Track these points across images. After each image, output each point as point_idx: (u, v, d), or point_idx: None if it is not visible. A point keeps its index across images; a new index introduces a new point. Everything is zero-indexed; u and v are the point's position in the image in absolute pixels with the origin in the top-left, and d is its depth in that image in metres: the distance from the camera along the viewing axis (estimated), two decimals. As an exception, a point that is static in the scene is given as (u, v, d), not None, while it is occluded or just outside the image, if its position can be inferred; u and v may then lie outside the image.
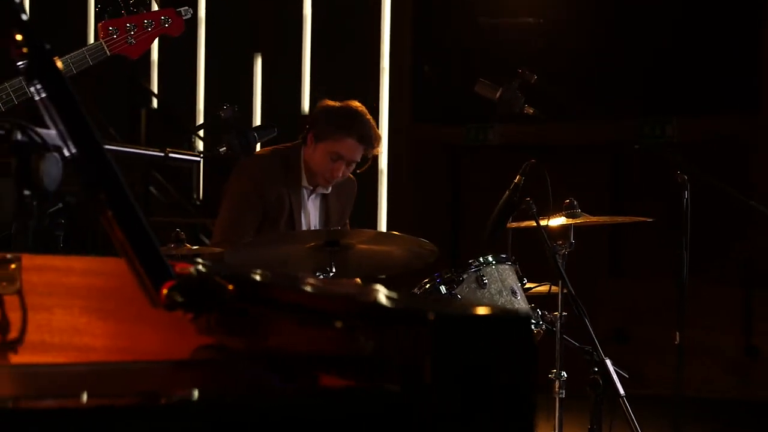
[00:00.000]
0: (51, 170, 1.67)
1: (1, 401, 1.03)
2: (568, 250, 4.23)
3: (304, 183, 4.58)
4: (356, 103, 4.59)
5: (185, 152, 2.20)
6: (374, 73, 10.06)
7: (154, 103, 11.71)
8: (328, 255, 3.84)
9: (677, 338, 4.37)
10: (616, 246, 9.13)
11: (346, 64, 10.20)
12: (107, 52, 3.39)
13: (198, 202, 10.66)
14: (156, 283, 1.30)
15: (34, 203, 1.70)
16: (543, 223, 4.08)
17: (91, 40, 11.48)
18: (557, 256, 4.15)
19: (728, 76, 8.66)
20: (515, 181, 4.13)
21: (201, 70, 11.43)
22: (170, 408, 1.05)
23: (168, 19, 3.54)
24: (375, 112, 9.94)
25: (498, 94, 4.28)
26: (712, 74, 8.71)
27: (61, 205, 3.37)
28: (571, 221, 4.22)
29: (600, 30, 9.28)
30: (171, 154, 2.04)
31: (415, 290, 4.10)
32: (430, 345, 0.94)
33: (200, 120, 11.44)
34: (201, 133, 10.91)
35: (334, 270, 3.81)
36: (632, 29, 9.18)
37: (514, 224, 4.28)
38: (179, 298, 1.30)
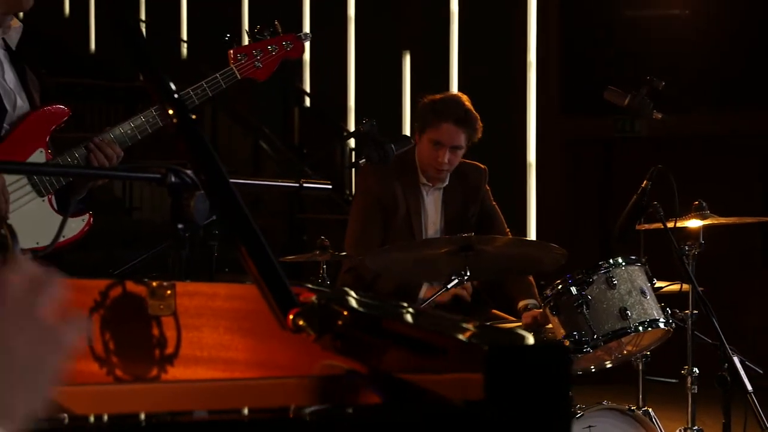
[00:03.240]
0: (200, 207, 1.95)
1: (161, 415, 1.30)
2: (697, 250, 4.36)
3: (423, 181, 4.80)
4: (453, 92, 4.78)
5: (318, 182, 2.44)
6: (521, 67, 10.17)
7: (307, 101, 12.07)
8: (462, 259, 4.05)
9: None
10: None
11: (493, 59, 10.33)
12: (238, 76, 3.68)
13: (350, 198, 10.96)
14: (283, 309, 1.56)
15: (187, 235, 1.99)
16: (669, 225, 4.22)
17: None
18: (686, 257, 4.29)
19: None
20: (642, 185, 4.28)
21: (351, 69, 11.72)
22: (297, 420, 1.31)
23: (290, 43, 3.80)
24: (523, 104, 10.08)
25: (626, 101, 4.43)
26: None
27: (215, 216, 3.66)
28: (701, 222, 4.36)
29: (750, 19, 9.21)
30: (305, 185, 2.29)
31: (547, 291, 4.29)
32: (484, 369, 1.18)
33: (351, 118, 11.75)
34: (349, 138, 11.22)
35: (468, 273, 4.03)
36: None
37: (645, 226, 4.43)
38: (302, 323, 1.56)
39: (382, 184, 4.73)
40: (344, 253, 4.45)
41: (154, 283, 1.83)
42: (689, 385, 4.44)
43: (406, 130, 10.99)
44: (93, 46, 14.04)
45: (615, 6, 9.76)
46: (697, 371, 4.44)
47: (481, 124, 4.74)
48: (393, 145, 4.09)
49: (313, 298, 1.58)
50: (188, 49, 13.24)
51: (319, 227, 10.38)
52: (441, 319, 1.35)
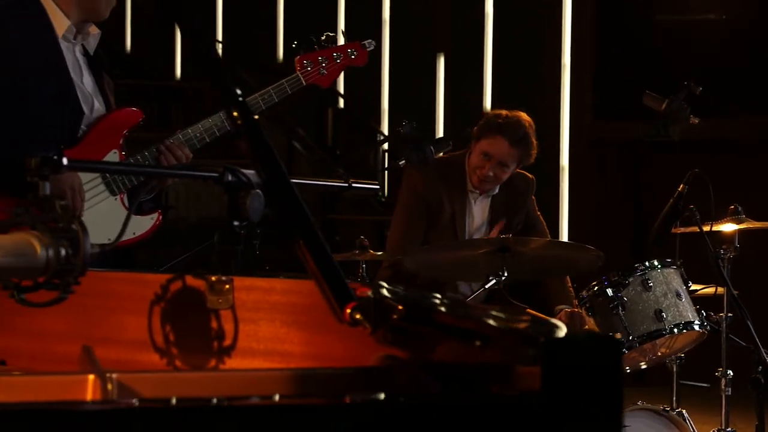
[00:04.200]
0: (255, 204, 2.02)
1: (208, 399, 1.38)
2: (733, 254, 4.41)
3: (470, 187, 4.85)
4: (523, 114, 4.82)
5: (367, 182, 2.52)
6: (555, 69, 10.19)
7: (341, 103, 12.14)
8: (500, 260, 4.11)
9: None
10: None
11: (527, 61, 10.36)
12: (303, 82, 3.81)
13: (383, 199, 11.01)
14: (340, 303, 1.63)
15: (242, 232, 2.06)
16: (705, 229, 4.27)
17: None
18: (721, 260, 4.34)
19: None
20: (679, 189, 4.33)
21: (385, 71, 11.75)
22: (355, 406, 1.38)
23: (354, 51, 3.90)
24: (556, 107, 10.11)
25: (664, 106, 4.48)
26: None
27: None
28: (736, 226, 4.40)
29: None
30: (354, 184, 2.37)
31: (584, 293, 4.35)
32: (540, 360, 1.25)
33: (385, 119, 11.81)
34: (385, 141, 11.28)
35: (506, 274, 4.09)
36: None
37: (681, 230, 4.48)
38: (359, 316, 1.63)
39: (427, 186, 4.78)
40: (380, 253, 4.52)
41: (213, 278, 1.91)
42: (723, 387, 4.48)
43: (440, 132, 11.05)
44: (129, 45, 14.16)
45: (650, 10, 9.77)
46: (731, 374, 4.48)
47: (535, 152, 4.77)
48: (432, 147, 4.16)
49: (369, 292, 1.65)
50: (223, 50, 13.34)
51: (350, 228, 10.44)
52: (496, 312, 1.42)
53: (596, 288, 4.31)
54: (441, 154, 4.49)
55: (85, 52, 3.61)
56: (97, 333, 1.96)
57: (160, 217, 3.57)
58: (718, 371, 4.50)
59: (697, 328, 4.28)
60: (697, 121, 4.47)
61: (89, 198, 3.49)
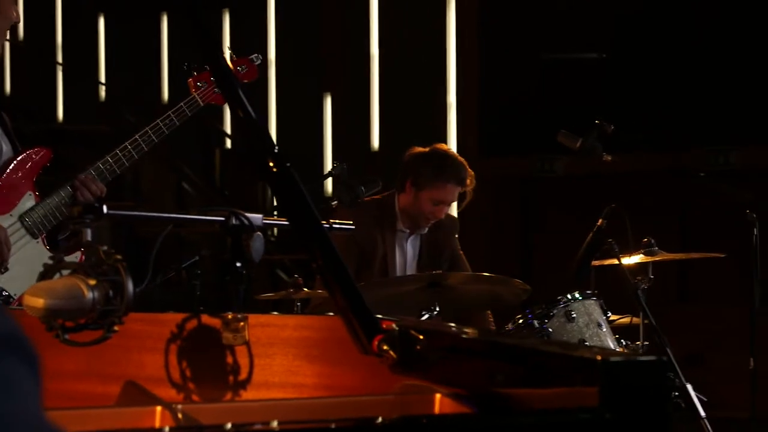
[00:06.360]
0: (257, 246, 2.13)
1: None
2: (647, 285, 4.63)
3: (400, 227, 4.97)
4: (443, 146, 5.01)
5: (343, 222, 2.66)
6: (441, 108, 10.40)
7: (228, 143, 12.16)
8: (431, 295, 4.26)
9: (751, 363, 4.76)
10: (685, 274, 9.38)
11: (413, 100, 10.55)
12: (200, 102, 3.86)
13: (273, 239, 11.06)
14: (368, 335, 1.75)
15: (244, 272, 2.16)
16: (624, 261, 4.48)
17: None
18: (639, 291, 4.56)
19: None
20: (598, 224, 4.54)
21: (272, 110, 11.83)
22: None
23: (244, 67, 4.03)
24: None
25: (578, 144, 4.68)
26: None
27: (197, 258, 3.84)
28: (649, 259, 4.63)
29: (665, 61, 9.55)
30: (334, 225, 2.50)
31: (509, 325, 4.52)
32: (599, 380, 1.39)
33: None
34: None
35: (437, 308, 4.23)
36: (698, 59, 9.44)
37: (597, 262, 4.69)
38: (386, 347, 1.75)
39: (363, 228, 4.87)
40: (320, 291, 4.61)
41: (229, 316, 2.00)
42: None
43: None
44: (9, 88, 13.94)
45: (534, 48, 10.05)
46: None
47: (473, 180, 4.98)
48: (363, 187, 4.28)
49: (394, 325, 1.77)
50: (106, 91, 13.26)
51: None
52: (537, 340, 1.56)
53: (521, 320, 4.48)
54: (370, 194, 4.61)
55: None
56: (115, 371, 2.03)
57: (83, 257, 3.61)
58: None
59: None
60: (610, 158, 4.68)
61: (14, 243, 3.54)
